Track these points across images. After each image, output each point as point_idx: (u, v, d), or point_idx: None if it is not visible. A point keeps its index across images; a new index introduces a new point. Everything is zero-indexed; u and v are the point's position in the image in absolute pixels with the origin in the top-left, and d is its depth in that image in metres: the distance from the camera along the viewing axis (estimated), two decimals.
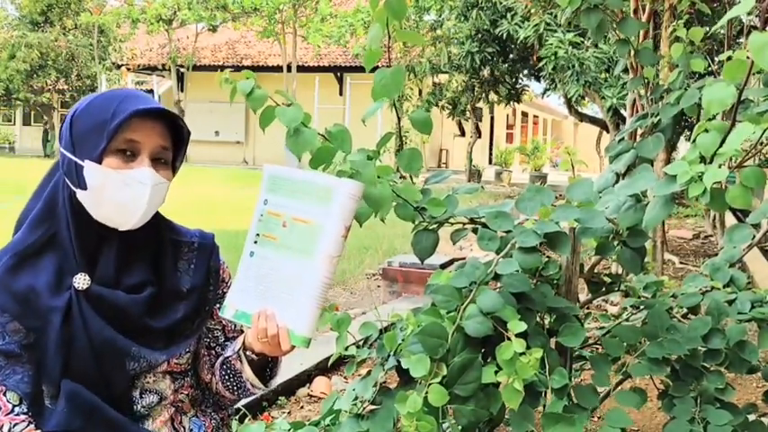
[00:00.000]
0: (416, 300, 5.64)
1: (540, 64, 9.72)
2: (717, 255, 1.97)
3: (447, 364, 1.45)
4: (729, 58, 1.40)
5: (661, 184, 1.43)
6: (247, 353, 1.43)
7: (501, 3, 12.02)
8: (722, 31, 6.24)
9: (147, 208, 1.35)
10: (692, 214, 11.48)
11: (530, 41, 10.03)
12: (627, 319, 1.88)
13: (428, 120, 1.59)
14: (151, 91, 23.81)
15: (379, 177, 1.51)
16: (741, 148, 1.33)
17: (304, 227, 1.31)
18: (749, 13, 5.10)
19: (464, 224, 1.66)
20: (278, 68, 22.88)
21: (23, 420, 1.34)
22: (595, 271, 1.89)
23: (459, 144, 24.28)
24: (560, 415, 1.46)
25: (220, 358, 1.51)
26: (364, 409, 1.61)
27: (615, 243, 1.67)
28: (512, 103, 16.86)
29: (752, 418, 1.75)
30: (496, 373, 1.43)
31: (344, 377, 4.02)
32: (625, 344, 1.70)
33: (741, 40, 5.76)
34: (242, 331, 1.48)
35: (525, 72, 15.51)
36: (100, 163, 1.32)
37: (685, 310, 1.88)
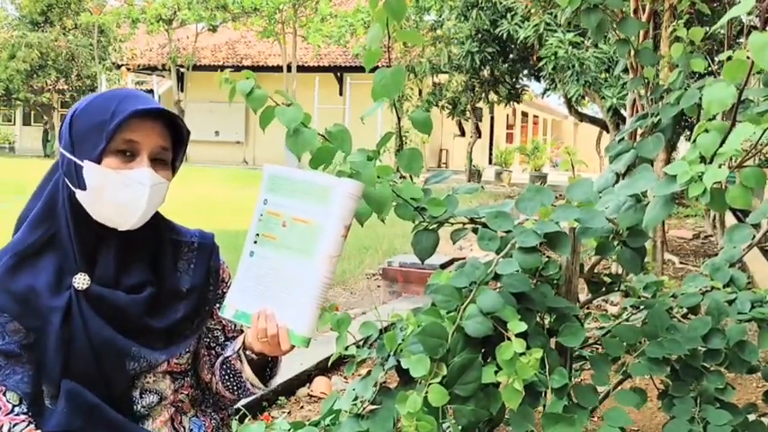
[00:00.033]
0: (416, 300, 5.64)
1: (540, 64, 9.72)
2: (717, 255, 1.97)
3: (447, 364, 1.45)
4: (729, 58, 1.40)
5: (661, 184, 1.43)
6: (247, 353, 1.43)
7: (501, 3, 12.02)
8: (722, 31, 6.24)
9: (146, 208, 1.35)
10: (692, 214, 11.48)
11: (530, 41, 10.03)
12: (627, 319, 1.88)
13: (428, 120, 1.59)
14: (151, 91, 23.81)
15: (379, 177, 1.51)
16: (741, 148, 1.33)
17: (304, 227, 1.31)
18: (749, 13, 5.10)
19: (464, 224, 1.65)
20: (278, 68, 22.88)
21: (23, 420, 1.34)
22: (595, 271, 1.89)
23: (459, 144, 24.28)
24: (560, 415, 1.46)
25: (220, 358, 1.51)
26: (364, 409, 1.61)
27: (615, 243, 1.67)
28: (512, 103, 16.86)
29: (752, 418, 1.75)
30: (496, 373, 1.43)
31: (344, 377, 4.02)
32: (625, 344, 1.70)
33: (741, 40, 5.76)
34: (242, 331, 1.48)
35: (525, 72, 15.51)
36: (99, 163, 1.32)
37: (685, 310, 1.88)
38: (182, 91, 24.73)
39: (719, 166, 1.32)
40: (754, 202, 1.45)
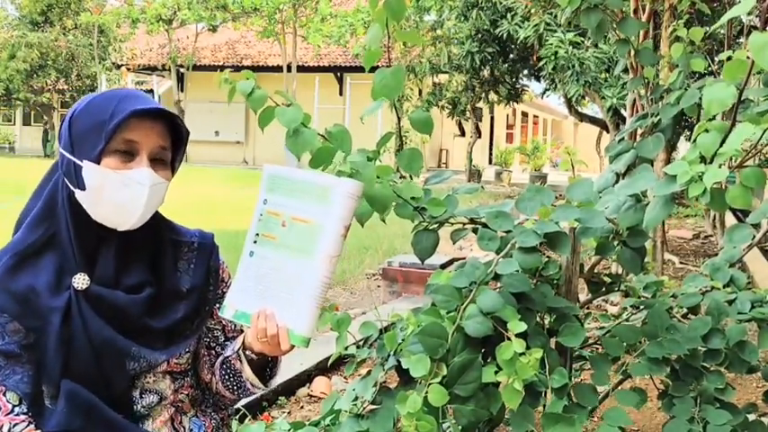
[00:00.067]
0: (416, 300, 5.64)
1: (540, 64, 9.72)
2: (717, 255, 1.97)
3: (447, 364, 1.45)
4: (729, 58, 1.40)
5: (661, 184, 1.43)
6: (247, 352, 1.43)
7: (501, 3, 12.02)
8: (722, 31, 6.24)
9: (145, 208, 1.35)
10: (692, 214, 11.47)
11: (530, 41, 10.03)
12: (627, 319, 1.88)
13: (428, 120, 1.59)
14: (151, 91, 23.82)
15: (378, 177, 1.51)
16: (741, 148, 1.33)
17: (303, 226, 1.31)
18: (749, 13, 5.10)
19: (464, 224, 1.65)
20: (278, 68, 22.88)
21: (23, 420, 1.34)
22: (595, 271, 1.88)
23: (459, 144, 24.28)
24: (560, 415, 1.46)
25: (220, 358, 1.51)
26: (364, 409, 1.60)
27: (615, 243, 1.67)
28: (512, 103, 16.86)
29: (752, 418, 1.75)
30: (496, 373, 1.43)
31: (344, 377, 4.02)
32: (625, 344, 1.70)
33: (741, 40, 5.76)
34: (242, 331, 1.48)
35: (525, 72, 15.51)
36: (98, 163, 1.32)
37: (685, 310, 1.88)
38: (182, 91, 24.73)
39: (719, 166, 1.32)
40: (754, 202, 1.45)
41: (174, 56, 24.11)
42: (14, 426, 1.33)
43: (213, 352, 1.54)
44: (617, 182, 1.81)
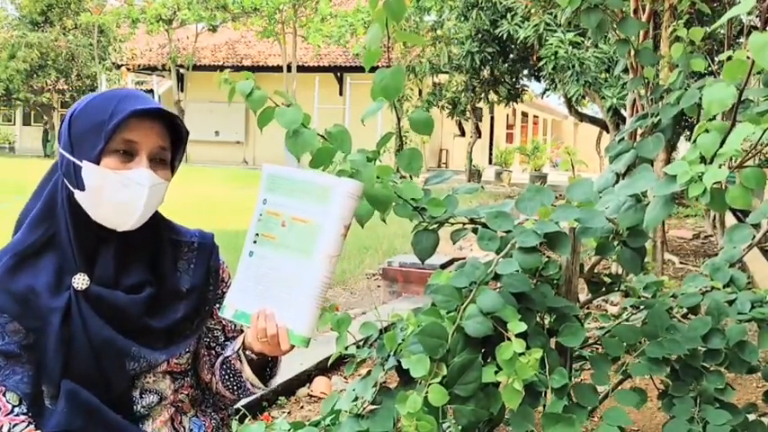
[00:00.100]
0: (416, 300, 5.64)
1: (540, 64, 9.72)
2: (717, 255, 1.97)
3: (447, 364, 1.45)
4: (729, 58, 1.40)
5: (661, 184, 1.43)
6: (247, 352, 1.43)
7: (501, 3, 12.02)
8: (722, 31, 6.24)
9: (144, 209, 1.35)
10: (692, 214, 11.47)
11: (530, 41, 10.03)
12: (627, 319, 1.88)
13: (428, 120, 1.59)
14: (151, 91, 23.82)
15: (379, 177, 1.51)
16: (741, 149, 1.33)
17: (303, 226, 1.31)
18: (749, 13, 5.10)
19: (464, 224, 1.65)
20: (278, 68, 22.87)
21: (23, 421, 1.34)
22: (595, 271, 1.88)
23: (459, 144, 24.27)
24: (560, 415, 1.46)
25: (220, 358, 1.51)
26: (364, 409, 1.60)
27: (615, 243, 1.67)
28: (512, 103, 16.86)
29: (752, 417, 1.75)
30: (496, 373, 1.43)
31: (344, 377, 4.02)
32: (625, 344, 1.70)
33: (741, 40, 5.76)
34: (242, 331, 1.48)
35: (525, 72, 15.50)
36: (98, 163, 1.32)
37: (685, 310, 1.88)
38: (182, 91, 24.73)
39: (719, 167, 1.32)
40: (754, 202, 1.45)
41: (174, 56, 24.11)
42: (14, 426, 1.33)
43: (213, 352, 1.54)
44: (617, 182, 1.81)
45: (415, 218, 1.61)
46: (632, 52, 2.02)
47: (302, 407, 3.67)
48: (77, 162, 1.33)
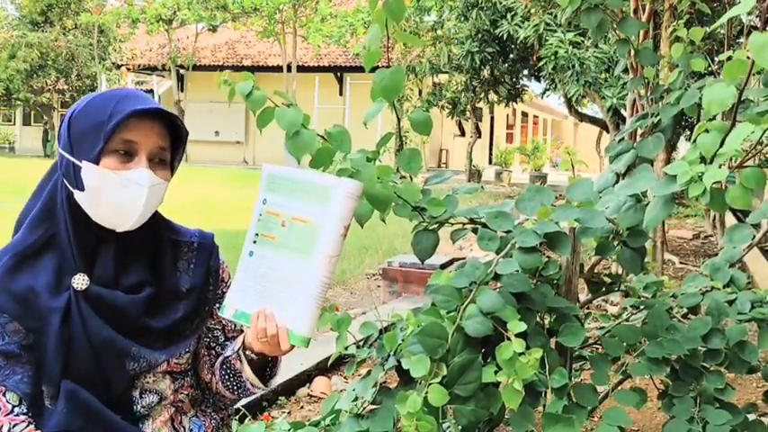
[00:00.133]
0: (416, 300, 5.64)
1: (540, 64, 9.72)
2: (717, 255, 1.97)
3: (447, 364, 1.45)
4: (729, 58, 1.40)
5: (661, 184, 1.43)
6: (247, 352, 1.43)
7: (501, 3, 12.02)
8: (722, 31, 6.24)
9: (144, 209, 1.35)
10: (692, 214, 11.47)
11: (530, 41, 10.03)
12: (627, 319, 1.88)
13: (428, 120, 1.59)
14: (151, 91, 23.82)
15: (378, 177, 1.51)
16: (741, 149, 1.33)
17: (303, 226, 1.31)
18: (749, 13, 5.10)
19: (464, 224, 1.65)
20: (278, 68, 22.88)
21: (23, 421, 1.34)
22: (595, 271, 1.88)
23: (459, 144, 24.27)
24: (560, 415, 1.46)
25: (220, 358, 1.51)
26: (364, 409, 1.61)
27: (615, 243, 1.67)
28: (512, 103, 16.86)
29: (752, 417, 1.75)
30: (496, 373, 1.43)
31: (344, 377, 4.02)
32: (625, 344, 1.70)
33: (741, 40, 5.76)
34: (242, 331, 1.48)
35: (525, 72, 15.51)
36: (97, 164, 1.32)
37: (685, 310, 1.88)
38: (182, 91, 24.73)
39: (719, 167, 1.32)
40: (754, 202, 1.44)
41: (174, 56, 24.11)
42: (14, 426, 1.33)
43: (213, 352, 1.54)
44: (617, 182, 1.81)
45: (415, 218, 1.61)
46: (632, 52, 2.02)
47: (302, 407, 3.67)
48: (77, 162, 1.33)
